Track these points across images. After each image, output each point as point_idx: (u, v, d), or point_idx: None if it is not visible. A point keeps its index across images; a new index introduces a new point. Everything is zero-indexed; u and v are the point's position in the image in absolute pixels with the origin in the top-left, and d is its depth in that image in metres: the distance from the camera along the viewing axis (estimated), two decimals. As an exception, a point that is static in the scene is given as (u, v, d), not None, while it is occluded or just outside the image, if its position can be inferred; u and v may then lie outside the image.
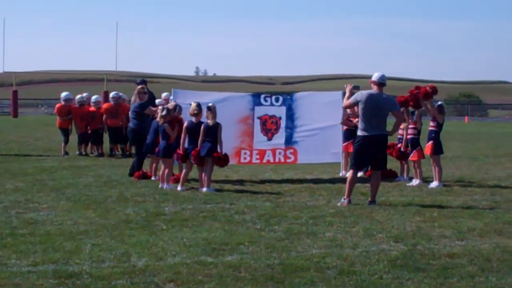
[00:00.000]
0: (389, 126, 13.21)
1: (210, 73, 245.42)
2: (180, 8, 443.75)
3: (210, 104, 14.89)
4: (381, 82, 13.06)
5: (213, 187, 14.73)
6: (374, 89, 13.11)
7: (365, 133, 12.91)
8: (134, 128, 17.06)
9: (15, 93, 56.50)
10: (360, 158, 13.15)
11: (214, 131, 14.65)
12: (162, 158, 15.32)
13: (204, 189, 14.54)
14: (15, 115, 55.20)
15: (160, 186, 15.05)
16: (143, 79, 20.38)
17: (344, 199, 13.03)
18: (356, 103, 13.17)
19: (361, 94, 13.06)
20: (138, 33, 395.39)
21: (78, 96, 23.75)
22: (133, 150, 22.02)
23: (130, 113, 17.49)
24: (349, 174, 13.26)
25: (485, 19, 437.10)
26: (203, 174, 14.73)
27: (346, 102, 13.63)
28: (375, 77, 13.12)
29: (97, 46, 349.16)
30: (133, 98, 17.67)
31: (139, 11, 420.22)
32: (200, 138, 14.73)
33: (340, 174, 17.72)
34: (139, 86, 17.51)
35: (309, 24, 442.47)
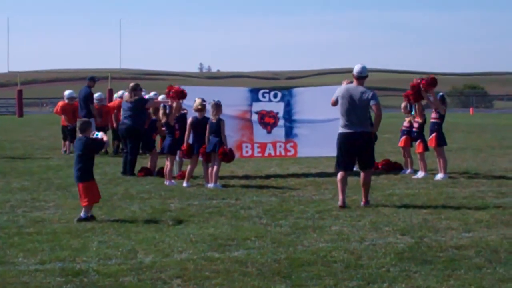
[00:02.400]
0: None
1: (214, 69, 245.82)
2: (182, 5, 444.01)
3: (213, 101, 14.86)
4: (360, 76, 12.34)
5: (219, 183, 14.72)
6: (354, 83, 12.50)
7: (344, 130, 12.25)
8: (132, 125, 16.92)
9: (20, 92, 56.67)
10: (343, 157, 12.34)
11: (218, 127, 14.64)
12: (167, 154, 15.33)
13: (211, 185, 14.53)
14: (20, 114, 55.35)
15: (165, 182, 15.05)
16: (92, 76, 20.62)
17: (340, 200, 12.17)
18: (337, 99, 12.44)
19: (339, 89, 12.55)
20: (141, 30, 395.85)
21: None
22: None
23: (125, 110, 17.21)
24: (338, 176, 12.40)
25: (488, 10, 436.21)
26: (210, 170, 14.72)
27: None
28: (354, 70, 12.44)
29: (101, 44, 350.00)
30: (126, 95, 17.53)
31: (142, 9, 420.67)
32: (206, 135, 14.72)
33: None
34: (133, 83, 17.45)
35: (313, 18, 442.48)
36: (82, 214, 10.92)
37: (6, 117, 56.77)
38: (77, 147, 11.24)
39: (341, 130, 12.26)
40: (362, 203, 12.23)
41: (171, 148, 15.31)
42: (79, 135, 11.33)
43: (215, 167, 14.64)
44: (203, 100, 14.98)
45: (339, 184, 12.25)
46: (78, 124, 11.58)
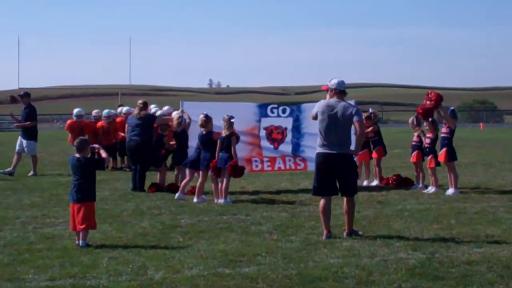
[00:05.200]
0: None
1: (223, 85, 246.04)
2: (192, 21, 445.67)
3: (226, 116, 14.88)
4: (341, 89, 10.97)
5: (229, 198, 14.70)
6: (334, 98, 10.97)
7: (321, 150, 10.84)
8: (142, 141, 16.97)
9: (30, 108, 56.71)
10: (321, 181, 10.89)
11: (228, 143, 14.64)
12: (193, 170, 15.39)
13: (221, 201, 14.51)
14: (31, 130, 55.36)
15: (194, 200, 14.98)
16: (26, 92, 20.75)
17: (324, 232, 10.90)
18: (317, 114, 11.04)
19: (318, 103, 11.10)
20: (151, 46, 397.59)
21: (94, 111, 23.90)
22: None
23: (133, 126, 17.22)
24: (320, 206, 10.95)
25: (497, 25, 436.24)
26: (220, 186, 14.70)
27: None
28: (332, 83, 11.02)
29: (111, 60, 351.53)
30: (135, 111, 17.57)
31: (152, 25, 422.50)
32: (217, 150, 14.73)
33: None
34: (141, 100, 17.56)
35: (322, 34, 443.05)
36: (81, 242, 10.21)
37: (16, 133, 56.87)
38: (76, 169, 10.47)
39: (318, 150, 10.90)
40: (344, 233, 10.91)
41: (193, 163, 15.36)
42: (76, 154, 10.58)
43: (224, 183, 14.63)
44: (206, 115, 15.01)
45: (321, 216, 10.86)
46: (75, 142, 10.71)
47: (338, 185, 10.89)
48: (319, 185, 10.92)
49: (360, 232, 10.95)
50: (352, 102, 16.69)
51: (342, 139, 10.75)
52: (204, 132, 14.98)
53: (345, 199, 10.97)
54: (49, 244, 10.34)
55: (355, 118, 10.70)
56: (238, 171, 14.75)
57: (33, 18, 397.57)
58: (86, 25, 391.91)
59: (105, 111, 23.35)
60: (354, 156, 11.07)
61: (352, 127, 10.86)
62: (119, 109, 24.20)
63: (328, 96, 11.14)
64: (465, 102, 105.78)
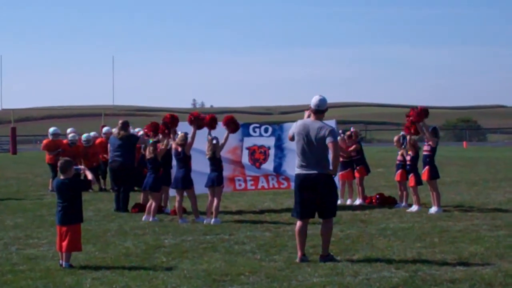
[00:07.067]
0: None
1: (207, 105, 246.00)
2: (175, 42, 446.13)
3: (209, 136, 14.99)
4: (317, 109, 10.65)
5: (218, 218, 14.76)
6: (311, 117, 10.74)
7: (300, 171, 10.57)
8: (125, 161, 17.00)
9: (13, 130, 56.71)
10: (300, 203, 10.63)
11: (213, 162, 14.74)
12: (151, 192, 15.40)
13: (212, 221, 14.52)
14: (14, 151, 55.33)
15: (144, 218, 15.07)
16: None
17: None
18: (293, 135, 10.81)
19: (295, 124, 10.87)
20: (134, 67, 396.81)
21: (70, 135, 23.18)
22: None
23: (115, 147, 17.23)
24: (296, 226, 10.78)
25: (480, 44, 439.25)
26: (209, 205, 14.74)
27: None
28: (311, 102, 10.71)
29: (94, 81, 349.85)
30: (116, 131, 17.56)
31: (134, 45, 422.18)
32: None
33: (338, 202, 17.64)
34: (121, 120, 17.52)
35: (306, 53, 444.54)
36: (64, 263, 10.14)
37: (-1, 155, 56.72)
38: (61, 190, 10.39)
39: (297, 171, 10.63)
40: (319, 257, 10.56)
41: (154, 185, 15.36)
42: (60, 176, 10.50)
43: (215, 202, 14.65)
44: (185, 134, 15.07)
45: (297, 238, 10.61)
46: (58, 164, 10.55)
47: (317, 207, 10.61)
48: (299, 207, 10.63)
49: (337, 258, 10.61)
50: (332, 122, 16.85)
51: (319, 160, 10.45)
52: (179, 150, 15.00)
53: (322, 222, 10.74)
54: (32, 265, 10.30)
55: (328, 140, 10.37)
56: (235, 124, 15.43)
57: (15, 38, 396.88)
58: (68, 45, 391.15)
59: (84, 136, 23.05)
60: (333, 176, 10.81)
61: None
62: (104, 129, 24.16)
63: (305, 115, 11.02)
64: (448, 121, 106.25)
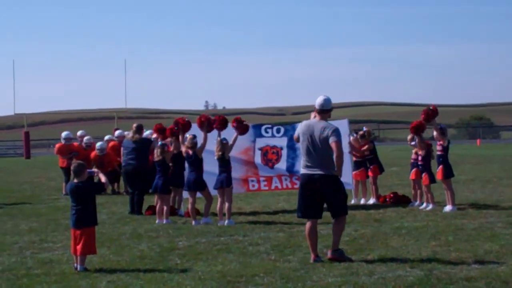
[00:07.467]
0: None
1: (219, 107, 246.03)
2: (187, 43, 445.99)
3: (218, 138, 15.00)
4: (322, 109, 10.68)
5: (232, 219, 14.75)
6: (316, 118, 10.77)
7: (304, 171, 10.60)
8: (139, 165, 17.07)
9: (27, 134, 56.98)
10: (305, 202, 10.63)
11: (222, 163, 14.74)
12: (160, 194, 15.43)
13: (226, 222, 14.51)
14: (28, 156, 55.57)
15: (157, 222, 15.11)
16: None
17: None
18: (299, 136, 10.86)
19: (300, 124, 10.96)
20: (146, 69, 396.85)
21: (85, 138, 23.31)
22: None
23: (129, 150, 17.27)
24: (305, 229, 10.75)
25: (493, 42, 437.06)
26: (220, 207, 14.72)
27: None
28: (316, 102, 10.73)
29: (106, 84, 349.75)
30: (130, 134, 17.60)
31: (146, 48, 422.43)
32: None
33: (352, 202, 17.65)
34: (136, 124, 17.55)
35: (319, 53, 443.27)
36: (79, 267, 10.20)
37: (13, 159, 56.92)
38: (74, 194, 10.44)
39: (302, 171, 10.69)
40: (328, 252, 10.61)
41: (164, 188, 15.40)
42: (74, 180, 10.57)
43: (226, 204, 14.64)
44: (194, 137, 15.07)
45: (307, 239, 10.62)
46: (72, 167, 10.64)
47: (326, 206, 10.65)
48: (304, 206, 10.63)
49: (351, 257, 10.57)
50: (345, 121, 16.83)
51: (323, 160, 10.45)
52: (191, 153, 15.00)
53: (333, 220, 10.76)
54: (47, 269, 10.33)
55: (331, 139, 10.35)
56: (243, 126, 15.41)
57: (28, 43, 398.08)
58: (81, 50, 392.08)
59: (98, 144, 22.74)
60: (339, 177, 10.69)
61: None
62: (116, 133, 24.20)
63: (312, 116, 10.99)
64: (462, 119, 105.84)
